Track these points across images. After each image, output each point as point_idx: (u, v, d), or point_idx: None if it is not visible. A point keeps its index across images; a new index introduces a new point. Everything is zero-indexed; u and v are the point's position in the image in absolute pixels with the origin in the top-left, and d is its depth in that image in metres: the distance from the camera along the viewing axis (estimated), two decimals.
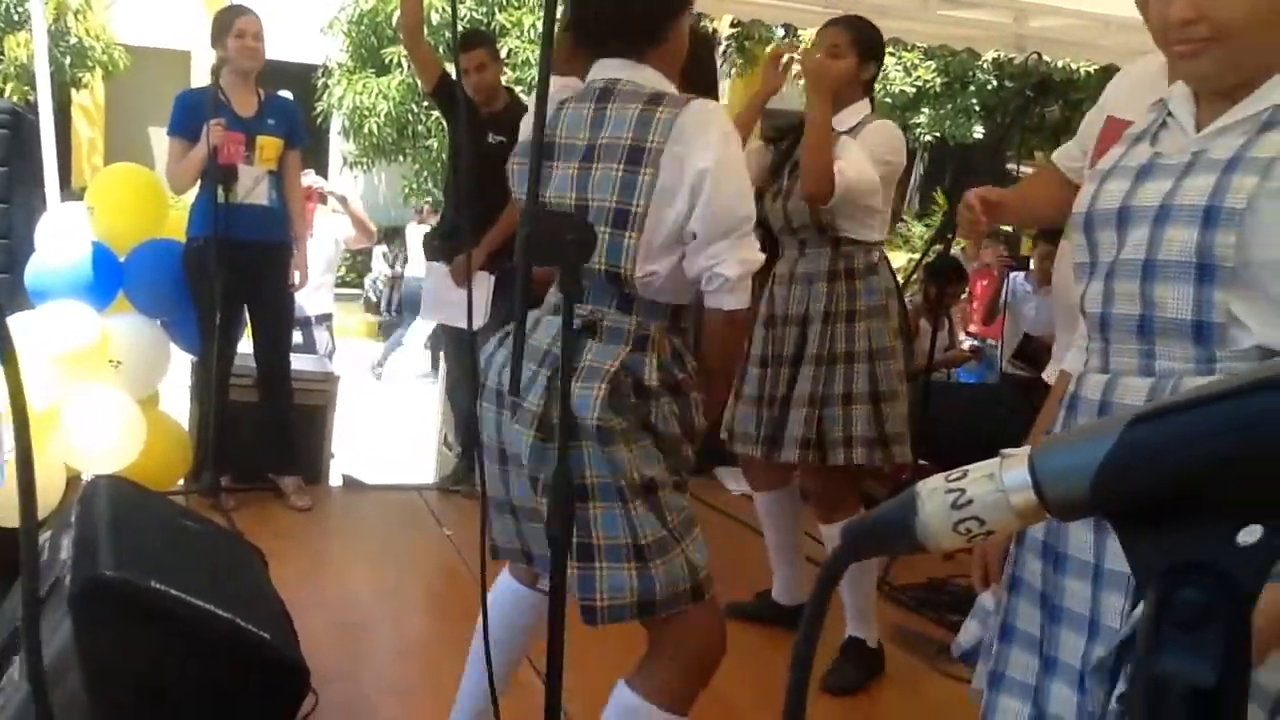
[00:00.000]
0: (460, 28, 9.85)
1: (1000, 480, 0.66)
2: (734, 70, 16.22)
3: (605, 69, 2.05)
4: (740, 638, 3.41)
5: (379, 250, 14.36)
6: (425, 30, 12.51)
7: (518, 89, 8.68)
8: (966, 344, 7.89)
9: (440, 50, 10.28)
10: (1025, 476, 0.65)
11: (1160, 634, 0.57)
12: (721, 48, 15.52)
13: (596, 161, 1.96)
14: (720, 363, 2.13)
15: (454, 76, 4.58)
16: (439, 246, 4.93)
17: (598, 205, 1.95)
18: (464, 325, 4.32)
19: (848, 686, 3.18)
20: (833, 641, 3.28)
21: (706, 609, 2.03)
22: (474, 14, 12.94)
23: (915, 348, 3.32)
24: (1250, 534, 0.56)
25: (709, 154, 1.90)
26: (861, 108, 3.17)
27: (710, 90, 3.93)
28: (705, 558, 2.03)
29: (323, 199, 6.32)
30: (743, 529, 4.38)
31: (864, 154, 3.04)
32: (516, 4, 13.02)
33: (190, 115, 4.34)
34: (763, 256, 2.02)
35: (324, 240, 6.28)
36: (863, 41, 3.15)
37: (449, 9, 12.00)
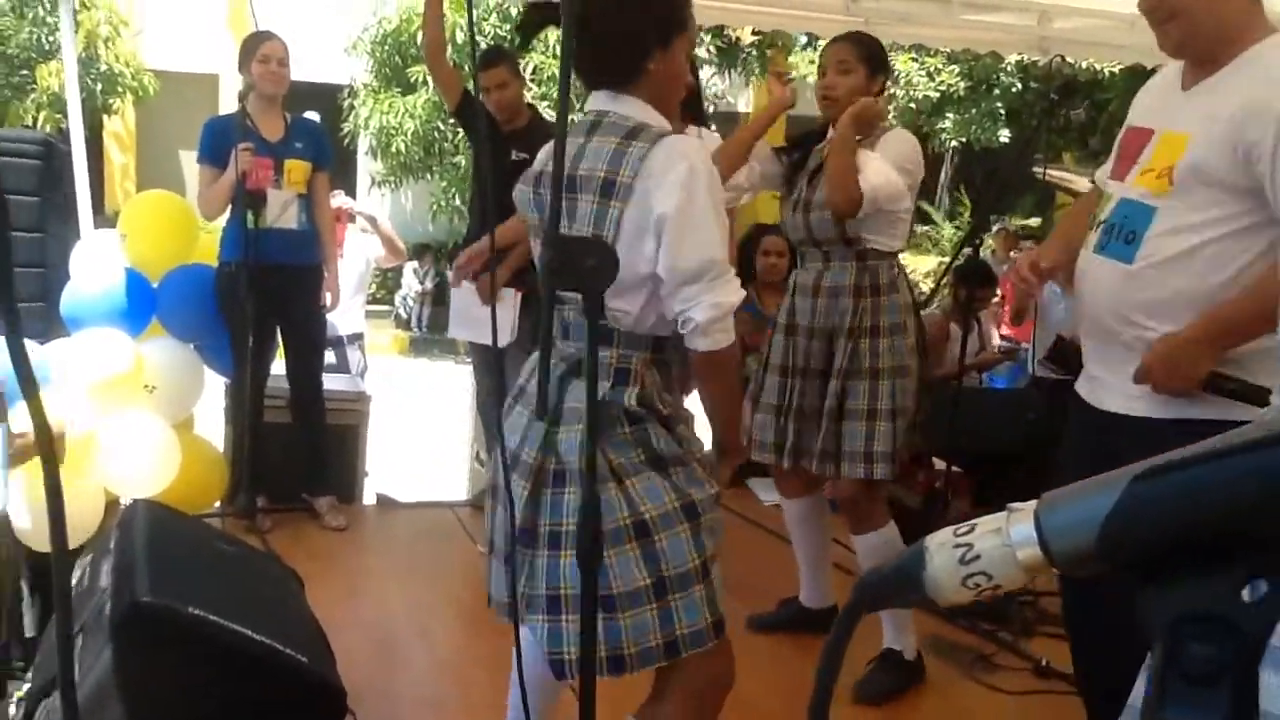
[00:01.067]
0: (484, 45, 9.90)
1: (1007, 535, 0.66)
2: (755, 79, 16.23)
3: (595, 101, 2.08)
4: (766, 645, 3.44)
5: (409, 266, 14.45)
6: (450, 49, 12.52)
7: (544, 105, 8.71)
8: (1000, 347, 7.84)
9: (465, 69, 10.34)
10: (1031, 532, 0.65)
11: (1167, 686, 0.57)
12: (742, 56, 15.55)
13: (578, 193, 1.98)
14: (712, 403, 2.11)
15: (476, 95, 4.60)
16: None
17: (576, 235, 1.98)
18: (491, 342, 4.34)
19: (877, 695, 3.17)
20: (865, 655, 3.27)
21: (721, 645, 2.04)
22: (498, 31, 12.99)
23: (932, 359, 3.32)
24: (1256, 589, 0.56)
25: (670, 198, 1.91)
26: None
27: (694, 109, 3.91)
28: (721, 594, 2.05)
29: (352, 219, 6.36)
30: (772, 539, 4.38)
31: (886, 162, 3.05)
32: None
33: (218, 141, 4.39)
34: (741, 294, 2.00)
35: (355, 260, 6.32)
36: (869, 56, 3.18)
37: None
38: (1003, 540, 0.66)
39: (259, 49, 4.38)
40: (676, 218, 1.91)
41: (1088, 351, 2.33)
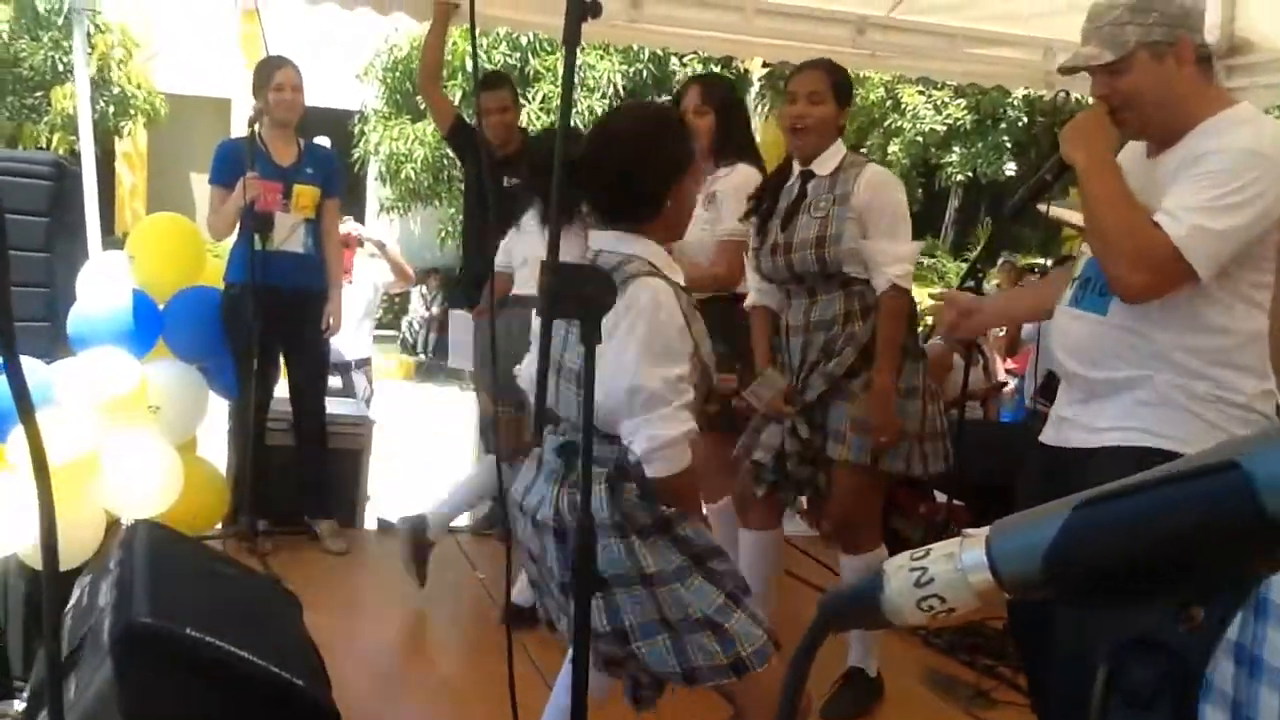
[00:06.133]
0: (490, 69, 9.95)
1: (959, 560, 0.68)
2: (767, 111, 16.29)
3: (595, 240, 2.17)
4: None
5: (416, 292, 14.49)
6: (460, 77, 12.55)
7: None
8: (1009, 381, 7.85)
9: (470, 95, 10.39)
10: (982, 557, 0.66)
11: (1109, 710, 0.58)
12: (754, 89, 15.63)
13: (569, 321, 2.05)
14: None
15: (468, 120, 4.64)
16: (462, 294, 4.97)
17: (568, 366, 2.11)
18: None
19: (845, 713, 3.19)
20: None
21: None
22: (507, 59, 13.09)
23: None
24: (1194, 616, 0.57)
25: (619, 331, 1.98)
26: (838, 149, 3.16)
27: (743, 142, 3.89)
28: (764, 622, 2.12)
29: (360, 244, 6.41)
30: None
31: (898, 229, 3.09)
32: (549, 49, 13.17)
33: (229, 164, 4.43)
34: (683, 429, 2.02)
35: (363, 285, 6.36)
36: (839, 86, 3.15)
37: (482, 52, 12.15)
38: (955, 565, 0.68)
39: (274, 76, 4.42)
40: (614, 349, 1.96)
41: (1061, 395, 2.40)
